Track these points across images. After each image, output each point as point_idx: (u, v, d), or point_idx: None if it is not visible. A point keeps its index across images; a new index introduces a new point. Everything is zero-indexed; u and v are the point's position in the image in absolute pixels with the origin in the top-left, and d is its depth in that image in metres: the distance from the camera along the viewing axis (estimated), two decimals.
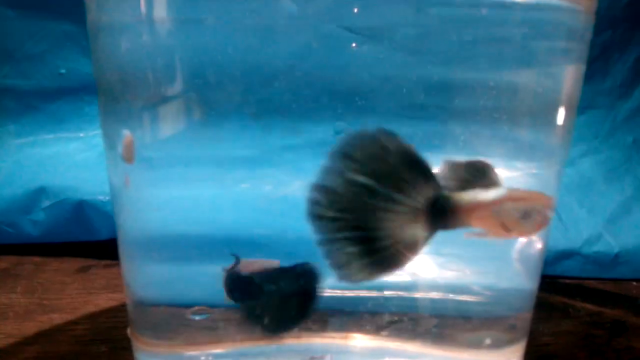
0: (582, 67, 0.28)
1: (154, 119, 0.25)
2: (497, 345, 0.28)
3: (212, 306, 0.27)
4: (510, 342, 0.29)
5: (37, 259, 0.56)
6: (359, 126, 0.23)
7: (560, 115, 0.27)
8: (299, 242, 0.26)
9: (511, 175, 0.26)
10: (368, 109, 0.24)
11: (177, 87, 0.25)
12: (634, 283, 0.55)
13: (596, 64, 0.61)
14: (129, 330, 0.30)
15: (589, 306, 0.48)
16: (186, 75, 0.24)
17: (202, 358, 0.27)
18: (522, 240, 0.27)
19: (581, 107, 0.62)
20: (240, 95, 0.24)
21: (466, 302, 0.28)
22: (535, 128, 0.27)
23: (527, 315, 0.30)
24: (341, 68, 0.23)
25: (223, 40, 0.24)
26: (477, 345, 0.28)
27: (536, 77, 0.25)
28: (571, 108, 0.28)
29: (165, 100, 0.25)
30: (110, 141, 0.27)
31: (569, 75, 0.27)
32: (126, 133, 0.25)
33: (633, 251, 0.56)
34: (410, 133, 0.24)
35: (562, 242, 0.56)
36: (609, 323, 0.45)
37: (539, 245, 0.28)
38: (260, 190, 0.25)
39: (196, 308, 0.27)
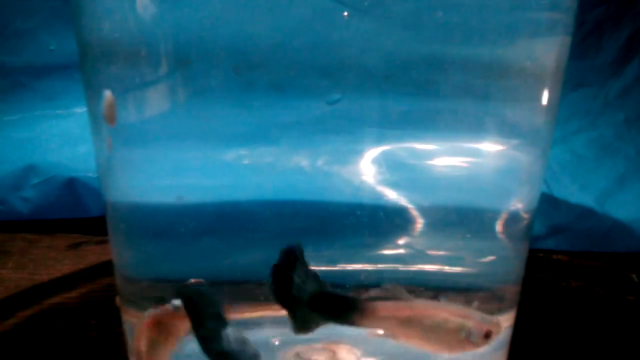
0: (568, 40, 0.27)
1: (141, 93, 0.25)
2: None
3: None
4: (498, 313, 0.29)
5: (29, 236, 0.56)
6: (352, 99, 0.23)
7: (545, 90, 0.27)
8: (293, 219, 0.25)
9: (494, 150, 0.26)
10: (363, 85, 0.23)
11: (164, 60, 0.24)
12: None
13: (588, 41, 0.61)
14: (117, 299, 0.30)
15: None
16: (174, 48, 0.24)
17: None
18: (506, 213, 0.27)
19: (573, 85, 0.62)
20: (231, 70, 0.23)
21: (456, 273, 0.28)
22: (519, 103, 0.26)
23: (515, 287, 0.30)
24: (336, 43, 0.23)
25: (213, 10, 0.23)
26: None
27: (519, 50, 0.25)
28: (557, 82, 0.27)
29: (152, 73, 0.24)
30: (93, 115, 0.27)
31: (554, 48, 0.27)
32: (107, 93, 0.25)
33: (624, 226, 0.57)
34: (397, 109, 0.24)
35: (555, 217, 0.56)
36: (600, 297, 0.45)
37: (525, 217, 0.28)
38: (254, 168, 0.25)
39: (192, 280, 0.27)
